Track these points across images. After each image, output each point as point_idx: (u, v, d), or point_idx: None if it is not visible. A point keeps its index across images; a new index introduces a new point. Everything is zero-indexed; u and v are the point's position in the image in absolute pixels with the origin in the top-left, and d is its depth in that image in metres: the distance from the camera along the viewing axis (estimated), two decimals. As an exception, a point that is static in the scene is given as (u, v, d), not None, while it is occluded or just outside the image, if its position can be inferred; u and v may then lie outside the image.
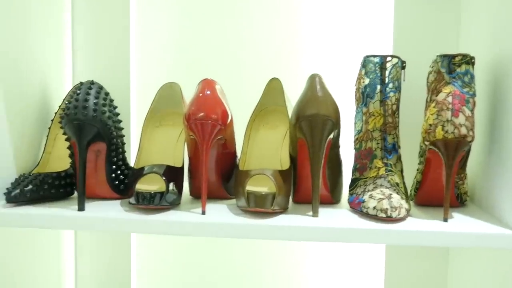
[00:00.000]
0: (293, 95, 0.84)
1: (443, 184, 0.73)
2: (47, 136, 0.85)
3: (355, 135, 0.80)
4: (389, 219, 0.66)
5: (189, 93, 0.84)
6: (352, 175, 0.77)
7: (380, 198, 0.67)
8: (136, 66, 0.99)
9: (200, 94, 0.71)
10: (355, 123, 0.80)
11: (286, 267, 1.01)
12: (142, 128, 0.82)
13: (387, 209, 0.65)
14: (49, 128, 0.85)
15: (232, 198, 0.82)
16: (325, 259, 1.00)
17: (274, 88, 0.82)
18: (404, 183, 0.75)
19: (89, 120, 0.69)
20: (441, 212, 0.72)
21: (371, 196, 0.68)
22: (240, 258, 1.02)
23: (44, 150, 0.84)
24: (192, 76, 0.90)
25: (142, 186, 0.72)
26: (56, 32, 0.92)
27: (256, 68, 0.96)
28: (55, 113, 0.86)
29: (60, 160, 0.84)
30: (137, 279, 1.03)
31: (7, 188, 0.71)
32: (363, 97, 0.75)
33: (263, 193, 0.69)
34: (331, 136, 0.69)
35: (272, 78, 0.82)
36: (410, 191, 0.79)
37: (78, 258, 1.01)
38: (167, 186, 0.70)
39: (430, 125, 0.67)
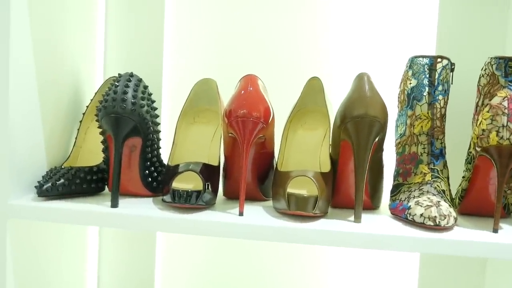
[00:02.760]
0: (333, 96, 0.82)
1: (490, 193, 0.71)
2: (78, 130, 0.83)
3: (396, 139, 0.77)
4: (437, 228, 0.63)
5: (224, 90, 0.82)
6: (395, 180, 0.74)
7: (427, 205, 0.64)
8: (169, 60, 0.97)
9: (242, 91, 0.68)
10: (397, 126, 0.77)
11: (314, 271, 0.98)
12: (177, 124, 0.79)
13: (435, 217, 0.62)
14: (80, 121, 0.83)
15: (267, 200, 0.79)
16: (356, 265, 0.97)
17: (313, 88, 0.79)
18: (450, 190, 0.72)
19: (127, 113, 0.67)
20: (486, 222, 0.69)
21: (417, 203, 0.65)
22: (265, 259, 0.99)
23: (74, 144, 0.82)
24: (227, 73, 0.88)
25: (178, 184, 0.70)
26: (89, 26, 0.90)
27: (295, 66, 0.93)
28: (87, 106, 0.84)
29: (90, 154, 0.82)
30: (161, 277, 1.00)
31: (38, 182, 0.69)
32: (409, 99, 0.72)
33: (305, 195, 0.66)
34: (377, 138, 0.66)
35: (312, 77, 0.79)
36: (454, 199, 0.76)
37: (101, 254, 0.98)
38: (204, 185, 0.67)
39: (483, 130, 0.64)
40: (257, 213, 0.69)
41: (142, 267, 0.99)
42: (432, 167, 0.70)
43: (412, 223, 0.65)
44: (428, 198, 0.65)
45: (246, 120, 0.66)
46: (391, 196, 0.74)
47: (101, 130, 0.72)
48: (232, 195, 0.78)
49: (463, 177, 0.74)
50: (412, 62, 0.73)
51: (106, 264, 0.99)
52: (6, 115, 0.66)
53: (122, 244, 0.99)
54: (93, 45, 0.92)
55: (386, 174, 0.77)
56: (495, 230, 0.64)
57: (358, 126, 0.65)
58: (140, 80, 0.70)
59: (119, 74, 0.69)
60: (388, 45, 0.92)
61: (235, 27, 0.95)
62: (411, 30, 0.91)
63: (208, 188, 0.68)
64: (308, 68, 0.92)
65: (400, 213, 0.68)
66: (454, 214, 0.64)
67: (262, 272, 0.99)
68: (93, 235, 0.97)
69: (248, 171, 0.74)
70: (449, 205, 0.65)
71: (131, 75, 0.69)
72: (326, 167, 0.73)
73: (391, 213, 0.72)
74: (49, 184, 0.69)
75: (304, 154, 0.77)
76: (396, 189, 0.73)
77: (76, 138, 0.82)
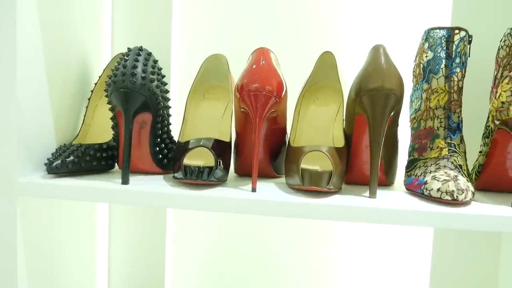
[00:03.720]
0: (345, 71, 0.80)
1: (507, 168, 0.69)
2: (87, 107, 0.82)
3: (411, 114, 0.75)
4: (455, 202, 0.61)
5: (234, 65, 0.80)
6: (410, 156, 0.73)
7: (445, 180, 0.62)
8: (177, 36, 0.95)
9: (254, 65, 0.66)
10: (412, 101, 0.75)
11: (323, 248, 0.97)
12: (186, 100, 0.78)
13: (453, 191, 0.61)
14: (89, 99, 0.82)
15: (279, 176, 0.78)
16: (370, 241, 0.96)
17: (326, 63, 0.77)
18: (467, 165, 0.70)
19: (137, 88, 0.65)
20: (503, 197, 0.68)
21: (434, 178, 0.64)
22: (273, 237, 0.98)
23: (83, 122, 0.81)
24: (237, 47, 0.86)
25: (189, 160, 0.69)
26: (96, 3, 0.88)
27: (306, 41, 0.91)
28: (95, 84, 0.83)
29: (99, 132, 0.81)
30: (172, 254, 1.00)
31: (48, 159, 0.68)
32: (425, 72, 0.71)
33: (319, 171, 0.64)
34: (393, 112, 0.65)
35: (324, 52, 0.77)
36: (470, 175, 0.74)
37: (111, 232, 0.98)
38: (216, 161, 0.66)
39: (503, 103, 0.62)
40: (270, 189, 0.68)
41: (152, 244, 0.98)
42: (449, 142, 0.68)
43: (429, 198, 0.64)
44: (445, 173, 0.64)
45: (259, 94, 0.65)
46: (406, 172, 0.72)
47: (110, 106, 0.71)
48: (243, 172, 0.77)
49: (480, 152, 0.72)
50: (428, 34, 0.71)
51: (116, 241, 0.99)
52: (15, 93, 0.65)
53: (132, 222, 0.98)
54: (101, 22, 0.91)
55: (400, 150, 0.75)
56: (514, 205, 0.62)
57: (373, 99, 0.63)
58: (149, 54, 0.68)
59: (128, 48, 0.68)
60: (401, 18, 0.90)
61: (245, 2, 0.93)
62: (425, 2, 0.89)
63: (220, 164, 0.67)
64: (319, 42, 0.90)
65: (416, 188, 0.67)
66: (471, 188, 0.62)
67: (270, 249, 0.98)
68: (102, 213, 0.96)
69: (260, 147, 0.73)
70: (467, 180, 0.64)
71: (141, 49, 0.68)
72: (340, 143, 0.71)
73: (406, 188, 0.70)
74: (59, 161, 0.68)
75: (317, 130, 0.75)
76: (411, 165, 0.72)
77: (84, 116, 0.81)
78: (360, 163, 0.71)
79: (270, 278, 0.98)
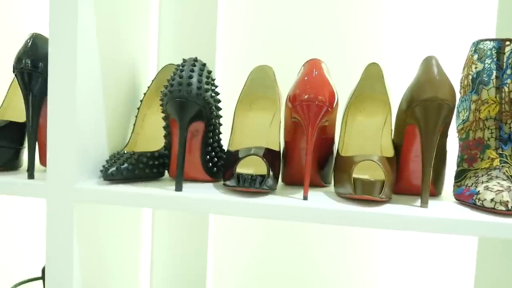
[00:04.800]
0: (390, 82, 0.81)
1: (558, 179, 0.69)
2: (136, 116, 0.84)
3: (458, 125, 0.76)
4: (509, 213, 0.61)
5: (278, 77, 0.82)
6: (459, 167, 0.73)
7: (498, 190, 0.62)
8: (222, 47, 0.97)
9: (307, 76, 0.68)
10: (459, 112, 0.75)
11: (369, 258, 0.98)
12: (235, 111, 0.80)
13: (507, 201, 0.61)
14: (138, 108, 0.84)
15: (326, 186, 0.79)
16: (413, 250, 0.96)
17: (372, 74, 0.79)
18: (517, 176, 0.70)
19: (192, 97, 0.67)
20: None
21: (487, 188, 0.64)
22: (317, 246, 0.98)
23: (133, 130, 0.83)
24: (280, 59, 0.88)
25: (240, 169, 0.70)
26: (144, 17, 0.91)
27: (351, 52, 0.93)
28: (144, 94, 0.85)
29: (148, 140, 0.83)
30: (213, 264, 1.01)
31: (104, 166, 0.70)
32: (474, 83, 0.71)
33: (372, 180, 0.65)
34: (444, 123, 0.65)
35: (371, 63, 0.78)
36: (520, 186, 0.74)
37: (154, 240, 1.00)
38: (268, 169, 0.67)
39: (557, 113, 0.62)
40: (320, 198, 0.68)
41: (194, 253, 0.99)
42: (501, 152, 0.69)
43: (481, 208, 0.64)
44: (498, 183, 0.64)
45: (311, 104, 0.66)
46: (455, 182, 0.73)
47: (164, 115, 0.73)
48: (291, 182, 0.78)
49: (530, 163, 0.72)
50: (477, 46, 0.72)
51: (159, 250, 1.00)
52: (74, 103, 0.67)
53: (175, 231, 1.00)
54: (148, 34, 0.93)
55: (448, 160, 0.76)
56: None
57: (427, 110, 0.64)
58: (204, 64, 0.70)
59: (183, 59, 0.70)
60: (444, 30, 0.90)
61: (289, 13, 0.95)
62: (469, 15, 0.89)
63: (271, 173, 0.68)
64: (364, 53, 0.92)
65: (467, 199, 0.67)
66: (525, 199, 0.62)
67: (312, 259, 0.99)
68: (146, 221, 0.98)
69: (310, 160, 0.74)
70: (521, 190, 0.64)
71: (196, 59, 0.70)
72: (389, 153, 0.72)
73: (456, 198, 0.71)
74: (114, 168, 0.70)
75: (365, 140, 0.76)
76: (461, 175, 0.72)
77: (134, 125, 0.83)
78: (409, 173, 0.72)
79: (311, 285, 0.99)
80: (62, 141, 0.68)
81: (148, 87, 0.85)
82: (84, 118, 0.69)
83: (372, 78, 0.79)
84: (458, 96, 0.76)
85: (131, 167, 0.71)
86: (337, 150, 0.74)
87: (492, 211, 0.63)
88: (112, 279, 0.83)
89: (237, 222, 1.00)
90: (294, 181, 0.77)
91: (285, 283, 0.99)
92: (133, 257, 0.93)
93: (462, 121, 0.74)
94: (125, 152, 0.74)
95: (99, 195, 0.68)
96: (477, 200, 0.64)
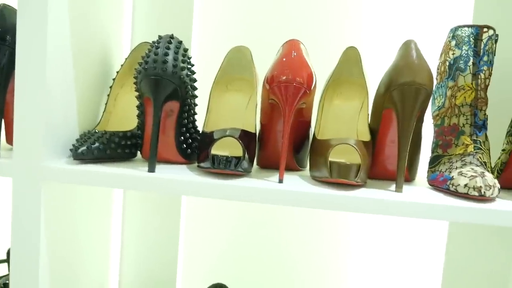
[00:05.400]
0: (369, 66, 0.81)
1: (529, 167, 0.70)
2: (108, 95, 0.81)
3: (434, 111, 0.76)
4: (482, 198, 0.62)
5: (255, 58, 0.81)
6: (433, 152, 0.73)
7: (472, 176, 0.63)
8: (198, 26, 0.95)
9: (285, 57, 0.67)
10: (435, 98, 0.76)
11: (341, 242, 0.98)
12: (210, 92, 0.78)
13: (480, 187, 0.61)
14: (110, 87, 0.82)
15: (301, 169, 0.78)
16: (382, 234, 0.97)
17: (350, 58, 0.78)
18: (490, 163, 0.71)
19: (168, 76, 0.65)
20: (527, 196, 0.69)
21: (461, 174, 0.64)
22: (289, 230, 0.98)
23: (104, 109, 0.81)
24: (257, 40, 0.86)
25: (215, 150, 0.69)
26: (118, -11, 0.88)
27: (330, 35, 0.92)
28: (117, 72, 0.83)
29: (120, 120, 0.81)
30: (185, 245, 1.00)
31: (73, 145, 0.68)
32: (451, 70, 0.71)
33: (348, 163, 0.65)
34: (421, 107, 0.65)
35: (349, 47, 0.78)
36: (492, 173, 0.75)
37: (125, 221, 0.98)
38: (244, 151, 0.66)
39: (531, 101, 0.63)
40: (295, 181, 0.68)
41: (166, 235, 0.98)
42: (475, 139, 0.69)
43: (455, 193, 0.64)
44: (472, 169, 0.65)
45: (289, 85, 0.65)
46: (429, 168, 0.73)
47: (137, 94, 0.71)
48: (266, 165, 0.77)
49: (503, 150, 0.73)
50: (455, 32, 0.72)
51: (130, 231, 0.98)
52: (44, 80, 0.64)
53: (146, 212, 0.98)
54: (122, 12, 0.90)
55: (423, 147, 0.76)
56: (539, 202, 0.63)
57: (404, 94, 0.63)
58: (180, 42, 0.68)
59: (159, 36, 0.67)
60: (421, 16, 0.90)
61: (266, -4, 0.94)
62: (447, 1, 0.89)
63: (246, 155, 0.67)
64: (342, 36, 0.91)
65: (441, 184, 0.67)
66: (498, 185, 0.63)
67: (283, 243, 0.98)
68: (117, 203, 0.96)
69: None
70: (493, 176, 0.64)
71: (172, 37, 0.68)
72: (365, 137, 0.72)
73: (430, 184, 0.71)
74: (85, 147, 0.67)
75: (341, 124, 0.76)
76: (435, 161, 0.72)
77: (106, 104, 0.81)
78: (384, 157, 0.72)
79: (283, 272, 0.99)
80: (30, 118, 0.65)
81: (122, 66, 0.83)
82: (53, 95, 0.67)
83: (350, 62, 0.78)
84: (434, 82, 0.77)
85: (102, 147, 0.69)
86: (314, 133, 0.74)
87: (466, 196, 0.63)
88: (82, 261, 0.81)
89: (210, 205, 0.99)
90: (269, 164, 0.76)
91: (258, 266, 0.99)
92: (103, 239, 0.91)
93: (438, 107, 0.75)
94: (97, 131, 0.72)
95: (68, 174, 0.65)
96: (451, 186, 0.65)
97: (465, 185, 0.63)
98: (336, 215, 0.98)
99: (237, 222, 0.99)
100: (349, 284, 0.98)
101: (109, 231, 0.93)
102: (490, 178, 0.62)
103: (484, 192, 0.61)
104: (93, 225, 0.85)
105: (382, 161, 0.72)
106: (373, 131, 0.72)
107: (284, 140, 0.64)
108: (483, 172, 0.64)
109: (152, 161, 0.66)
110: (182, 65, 0.67)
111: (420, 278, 0.96)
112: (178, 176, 0.65)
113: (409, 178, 0.74)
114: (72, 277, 0.78)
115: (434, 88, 0.76)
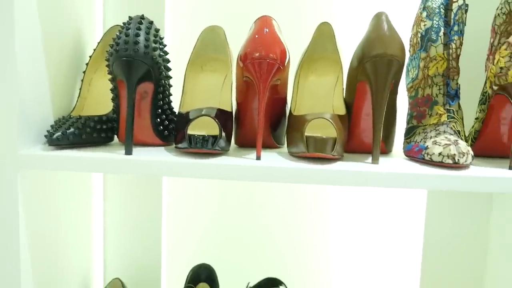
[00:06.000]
0: (343, 42, 0.81)
1: (502, 134, 0.71)
2: (82, 81, 0.81)
3: (408, 83, 0.77)
4: (456, 166, 0.63)
5: (231, 36, 0.80)
6: (408, 124, 0.74)
7: (446, 144, 0.64)
8: (171, 6, 0.94)
9: (257, 34, 0.66)
10: (408, 70, 0.76)
11: (322, 219, 0.99)
12: (185, 73, 0.78)
13: (454, 154, 0.62)
14: (84, 72, 0.81)
15: (279, 147, 0.79)
16: (362, 206, 0.98)
17: (324, 34, 0.78)
18: (464, 132, 0.72)
19: (140, 56, 0.65)
20: (501, 163, 0.70)
21: (435, 143, 0.65)
22: (270, 207, 0.99)
23: (79, 95, 0.80)
24: (231, 18, 0.86)
25: (192, 130, 0.69)
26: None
27: (303, 11, 0.92)
28: (90, 57, 0.82)
29: (95, 105, 0.80)
30: (168, 227, 1.00)
31: (48, 131, 0.67)
32: (423, 41, 0.72)
33: (324, 137, 0.65)
34: (394, 79, 0.66)
35: (322, 23, 0.78)
36: (467, 141, 0.76)
37: (107, 206, 0.97)
38: (221, 130, 0.66)
39: (501, 68, 0.64)
40: (273, 158, 0.68)
41: (148, 217, 0.97)
42: (448, 108, 0.70)
43: (430, 162, 0.65)
44: (446, 138, 0.66)
45: (263, 61, 0.65)
46: (405, 139, 0.74)
47: (111, 77, 0.70)
48: (243, 143, 0.77)
49: (476, 118, 0.74)
50: (425, 3, 0.72)
51: (111, 215, 0.98)
52: (15, 67, 0.63)
53: (127, 195, 0.97)
54: (91, -5, 0.89)
55: (398, 119, 0.77)
56: (511, 167, 0.64)
57: (376, 65, 0.64)
58: (151, 22, 0.68)
59: (129, 17, 0.67)
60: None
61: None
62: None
63: (223, 133, 0.67)
64: (316, 12, 0.91)
65: (416, 154, 0.68)
66: (471, 152, 0.64)
67: (266, 221, 0.99)
68: (98, 187, 0.96)
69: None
70: (467, 144, 0.65)
71: (142, 17, 0.67)
72: (341, 111, 0.72)
73: (406, 155, 0.72)
74: (60, 133, 0.67)
75: (317, 99, 0.76)
76: (410, 132, 0.73)
77: (80, 89, 0.80)
78: (360, 131, 0.72)
79: (266, 251, 1.00)
80: (2, 107, 0.64)
81: (94, 50, 0.82)
82: (25, 82, 0.65)
83: (324, 37, 0.78)
84: (407, 55, 0.77)
85: (77, 132, 0.68)
86: (290, 110, 0.74)
87: (440, 164, 0.64)
88: (64, 249, 0.81)
89: (191, 187, 0.99)
90: (247, 143, 0.76)
91: (241, 246, 1.00)
92: (85, 226, 0.90)
93: (412, 79, 0.75)
94: (71, 116, 0.71)
95: (44, 161, 0.65)
96: (425, 155, 0.66)
97: (439, 154, 0.64)
98: (316, 191, 0.99)
99: (220, 203, 1.00)
100: (331, 259, 1.00)
101: (91, 217, 0.93)
102: (463, 146, 0.63)
103: (458, 159, 0.62)
104: (74, 212, 0.85)
105: (358, 134, 0.73)
106: (348, 105, 0.72)
107: (259, 116, 0.65)
108: (456, 140, 0.65)
109: (129, 144, 0.65)
110: (154, 45, 0.66)
111: (402, 245, 0.98)
112: (155, 157, 0.65)
113: (386, 150, 0.75)
114: (55, 266, 0.78)
115: (407, 60, 0.77)
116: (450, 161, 0.63)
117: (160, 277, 0.98)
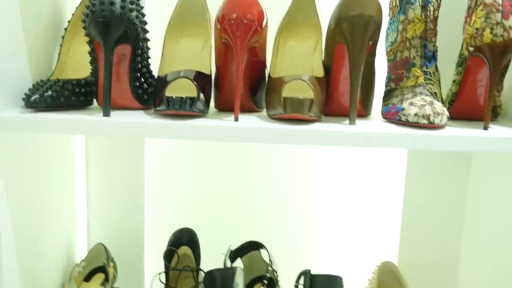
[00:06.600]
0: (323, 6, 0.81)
1: (479, 96, 0.72)
2: (61, 45, 0.80)
3: (387, 47, 0.77)
4: (431, 126, 0.64)
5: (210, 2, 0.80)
6: (387, 87, 0.75)
7: (422, 105, 0.65)
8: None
9: (234, -5, 0.66)
10: (388, 34, 0.77)
11: (306, 176, 1.00)
12: (164, 38, 0.77)
13: (429, 115, 0.63)
14: (63, 37, 0.80)
15: (259, 111, 0.79)
16: (346, 166, 1.00)
17: (304, -2, 0.78)
18: (441, 94, 0.73)
19: (116, 17, 0.64)
20: (476, 124, 0.71)
21: (411, 104, 0.66)
22: (254, 167, 1.00)
23: (58, 60, 0.79)
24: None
25: (171, 92, 0.69)
26: None
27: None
28: (68, 21, 0.81)
29: (74, 70, 0.80)
30: (151, 187, 1.01)
31: (26, 94, 0.67)
32: (401, 3, 0.72)
33: (301, 98, 0.66)
34: (372, 40, 0.66)
35: (302, -14, 0.77)
36: (443, 104, 0.77)
37: (89, 167, 0.97)
38: (198, 91, 0.66)
39: (477, 29, 0.64)
40: (252, 120, 0.69)
41: (131, 178, 0.97)
42: (425, 70, 0.71)
43: (406, 123, 0.66)
44: (422, 99, 0.66)
45: (240, 23, 0.65)
46: (383, 102, 0.75)
47: (88, 39, 0.70)
48: (224, 107, 0.77)
49: (454, 81, 0.75)
50: (404, -35, 0.72)
51: (94, 176, 0.98)
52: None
53: (109, 157, 0.97)
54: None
55: (377, 83, 0.77)
56: (486, 128, 0.65)
57: (353, 26, 0.64)
58: (127, -17, 0.67)
59: (105, -24, 0.66)
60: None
61: None
62: None
63: (201, 95, 0.67)
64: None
65: (393, 116, 0.69)
66: (446, 113, 0.65)
67: (249, 179, 1.00)
68: (79, 150, 0.95)
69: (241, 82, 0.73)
70: (442, 104, 0.66)
71: (118, -23, 0.66)
72: (318, 74, 0.72)
73: (383, 117, 0.73)
74: (37, 96, 0.66)
75: (296, 63, 0.76)
76: (388, 94, 0.74)
77: (59, 54, 0.80)
78: (338, 94, 0.73)
79: (248, 212, 1.01)
80: (-23, 67, 0.64)
81: (73, 15, 0.81)
82: (1, 46, 0.65)
83: (303, 2, 0.78)
84: (387, 19, 0.77)
85: (55, 95, 0.68)
86: (269, 74, 0.74)
87: (416, 125, 0.65)
88: (46, 212, 0.81)
89: (175, 150, 1.00)
90: (227, 107, 0.76)
91: (223, 210, 1.01)
92: (67, 190, 0.90)
93: (391, 43, 0.76)
94: (49, 79, 0.71)
95: (22, 123, 0.64)
96: (402, 116, 0.66)
97: (415, 114, 0.64)
98: (300, 155, 1.00)
99: (203, 168, 1.00)
100: (314, 222, 1.01)
101: (73, 182, 0.93)
102: (438, 106, 0.64)
103: (433, 119, 0.63)
104: (56, 177, 0.85)
105: (337, 97, 0.73)
106: (327, 68, 0.73)
107: (237, 75, 0.65)
108: (432, 101, 0.65)
109: (107, 105, 0.65)
110: (130, 6, 0.66)
111: (383, 203, 1.00)
112: (134, 118, 0.65)
113: (364, 113, 0.75)
114: (37, 231, 0.78)
115: (387, 25, 0.77)
116: (426, 121, 0.64)
117: (143, 242, 0.98)
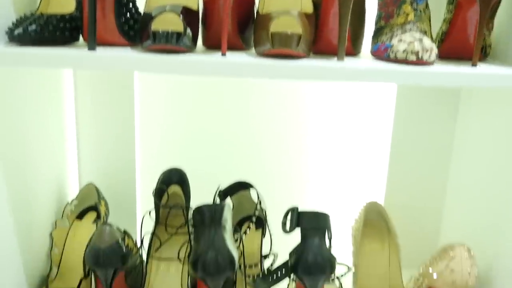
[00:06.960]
0: None
1: (469, 35, 0.72)
2: (45, -20, 0.78)
3: (378, -16, 0.76)
4: (419, 62, 0.64)
5: None
6: (376, 25, 0.74)
7: (410, 41, 0.64)
8: None
9: None
10: (379, -29, 0.75)
11: (295, 109, 1.01)
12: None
13: (418, 51, 0.63)
14: (47, -29, 0.78)
15: (248, 49, 0.78)
16: (337, 102, 1.01)
17: None
18: (431, 32, 0.72)
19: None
20: (466, 63, 0.71)
21: (400, 40, 0.66)
22: (244, 103, 1.01)
23: (43, -5, 0.77)
24: None
25: (158, 26, 0.68)
26: None
27: None
28: (53, -46, 0.79)
29: (60, 5, 0.77)
30: (140, 120, 1.01)
31: (9, 27, 0.66)
32: None
33: (289, 33, 0.65)
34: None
35: None
36: (434, 42, 0.76)
37: (78, 103, 0.97)
38: (185, 26, 0.65)
39: (469, -37, 0.63)
40: (239, 56, 0.68)
41: (121, 114, 0.97)
42: (415, 7, 0.70)
43: (395, 60, 0.66)
44: (411, 35, 0.66)
45: (227, -47, 0.63)
46: (372, 40, 0.74)
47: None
48: (211, 44, 0.76)
49: (444, 20, 0.74)
50: None
51: (83, 112, 0.97)
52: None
53: (99, 93, 0.96)
54: None
55: (367, 22, 0.76)
56: (474, 65, 0.65)
57: (343, -40, 0.63)
58: None
59: None
60: None
61: None
62: None
63: (188, 30, 0.66)
64: None
65: (382, 53, 0.68)
66: (435, 49, 0.64)
67: (239, 115, 1.01)
68: (68, 86, 0.95)
69: (229, 18, 0.72)
70: (431, 41, 0.66)
71: None
72: (308, 10, 0.71)
73: (373, 55, 0.72)
74: (21, 30, 0.65)
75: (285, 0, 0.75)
76: (378, 32, 0.73)
77: (44, -11, 0.78)
78: (328, 31, 0.72)
79: (238, 152, 1.02)
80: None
81: None
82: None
83: None
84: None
85: (39, 29, 0.67)
86: (257, 10, 0.73)
87: (404, 61, 0.65)
88: (36, 152, 0.81)
89: (164, 89, 0.99)
90: (215, 44, 0.75)
91: (214, 144, 1.01)
92: (57, 129, 0.90)
93: (382, -21, 0.74)
94: (34, 14, 0.70)
95: (7, 56, 0.63)
96: (391, 53, 0.66)
97: (404, 50, 0.64)
98: (289, 93, 0.99)
99: (193, 107, 1.00)
100: (304, 161, 1.02)
101: (63, 122, 0.92)
102: (427, 43, 0.64)
103: (422, 56, 0.63)
104: (45, 116, 0.84)
105: (327, 34, 0.72)
106: (317, 4, 0.71)
107: (224, 8, 0.64)
108: (421, 38, 0.65)
109: (92, 39, 0.64)
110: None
111: (372, 141, 1.02)
112: (120, 53, 0.64)
113: (353, 52, 0.75)
114: (28, 171, 0.79)
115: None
116: (414, 58, 0.63)
117: (134, 179, 0.99)
